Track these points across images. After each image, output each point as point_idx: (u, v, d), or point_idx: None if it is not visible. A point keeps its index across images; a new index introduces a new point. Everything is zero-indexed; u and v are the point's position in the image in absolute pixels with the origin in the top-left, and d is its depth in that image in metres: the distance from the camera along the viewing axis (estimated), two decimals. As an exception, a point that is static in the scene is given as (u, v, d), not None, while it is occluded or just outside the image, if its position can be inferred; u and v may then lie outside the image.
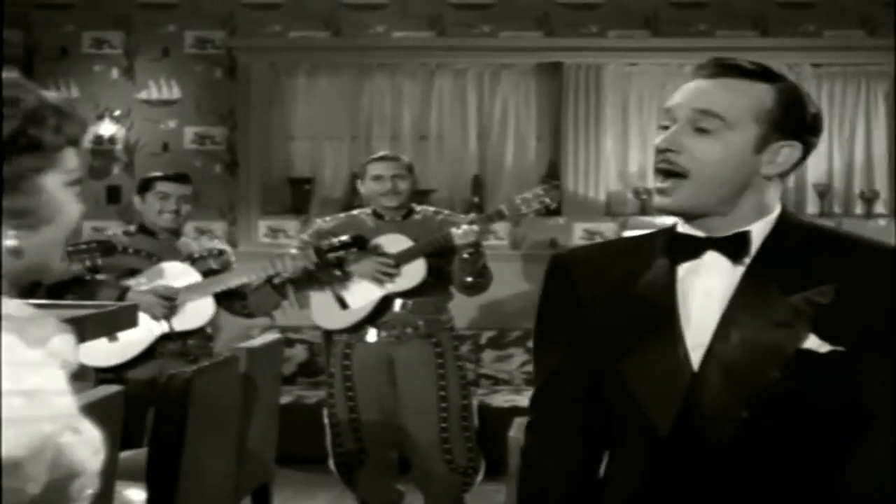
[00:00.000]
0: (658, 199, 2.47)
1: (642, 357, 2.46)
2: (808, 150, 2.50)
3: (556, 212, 9.19)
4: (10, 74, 1.88)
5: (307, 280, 6.42)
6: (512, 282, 9.02)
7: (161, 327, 6.19)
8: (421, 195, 8.35)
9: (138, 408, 5.35)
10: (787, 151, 2.47)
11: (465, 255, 6.25)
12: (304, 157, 9.68)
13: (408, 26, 9.50)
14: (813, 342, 2.35)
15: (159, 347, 6.23)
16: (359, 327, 6.48)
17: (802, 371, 2.34)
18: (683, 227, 2.52)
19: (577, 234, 9.46)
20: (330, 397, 6.61)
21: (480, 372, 9.06)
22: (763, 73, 2.48)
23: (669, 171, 2.44)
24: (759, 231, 2.47)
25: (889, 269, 2.40)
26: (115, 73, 9.68)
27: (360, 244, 6.31)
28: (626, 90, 9.56)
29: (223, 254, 6.62)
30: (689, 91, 2.48)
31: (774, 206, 2.50)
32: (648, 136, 9.30)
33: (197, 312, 6.28)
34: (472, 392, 6.81)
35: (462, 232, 6.21)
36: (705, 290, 2.45)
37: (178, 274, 6.30)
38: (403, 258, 6.40)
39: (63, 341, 1.85)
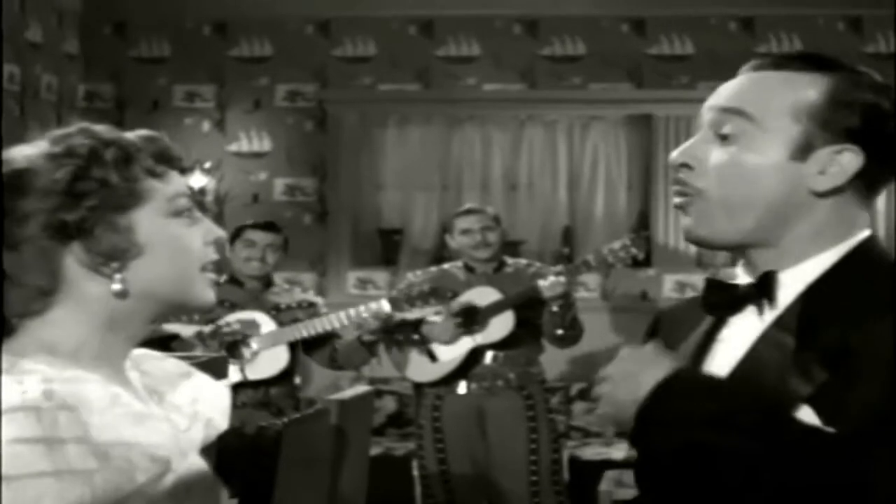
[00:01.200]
0: (682, 223, 2.01)
1: None
2: (881, 157, 1.95)
3: (647, 263, 9.16)
4: (57, 133, 1.89)
5: (391, 340, 6.43)
6: (602, 333, 8.97)
7: (234, 376, 6.19)
8: (511, 246, 8.35)
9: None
10: (842, 158, 1.92)
11: (555, 308, 6.23)
12: (393, 208, 9.74)
13: (499, 78, 9.55)
14: (804, 417, 1.80)
15: (240, 397, 6.22)
16: (449, 380, 6.47)
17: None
18: (740, 269, 2.03)
19: (668, 285, 9.42)
20: (420, 449, 6.60)
21: (571, 424, 9.01)
22: (816, 61, 1.98)
23: (683, 192, 1.98)
24: (806, 271, 1.94)
25: None
26: (206, 125, 9.82)
27: (440, 299, 6.28)
28: (716, 141, 9.53)
29: (313, 306, 6.60)
30: (718, 91, 2.05)
31: (844, 235, 1.95)
32: (739, 187, 9.27)
33: (271, 361, 6.27)
34: (562, 445, 6.77)
35: (549, 283, 6.18)
36: (728, 353, 1.97)
37: (251, 323, 6.29)
38: (491, 311, 6.38)
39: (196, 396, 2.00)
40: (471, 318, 6.40)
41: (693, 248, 9.40)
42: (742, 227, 1.92)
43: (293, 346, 6.31)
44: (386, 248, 9.61)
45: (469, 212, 6.62)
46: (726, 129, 1.93)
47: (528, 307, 6.36)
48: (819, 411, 1.78)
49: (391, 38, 9.62)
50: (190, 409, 2.04)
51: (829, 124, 1.91)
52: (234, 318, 6.23)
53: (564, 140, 9.63)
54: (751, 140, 1.92)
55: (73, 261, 1.87)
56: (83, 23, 10.01)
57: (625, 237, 6.62)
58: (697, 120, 2.03)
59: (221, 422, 2.14)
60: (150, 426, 1.86)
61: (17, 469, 1.69)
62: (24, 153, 1.92)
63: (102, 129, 1.93)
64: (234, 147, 9.74)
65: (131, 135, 1.94)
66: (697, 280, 9.27)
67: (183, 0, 9.59)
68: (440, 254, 8.91)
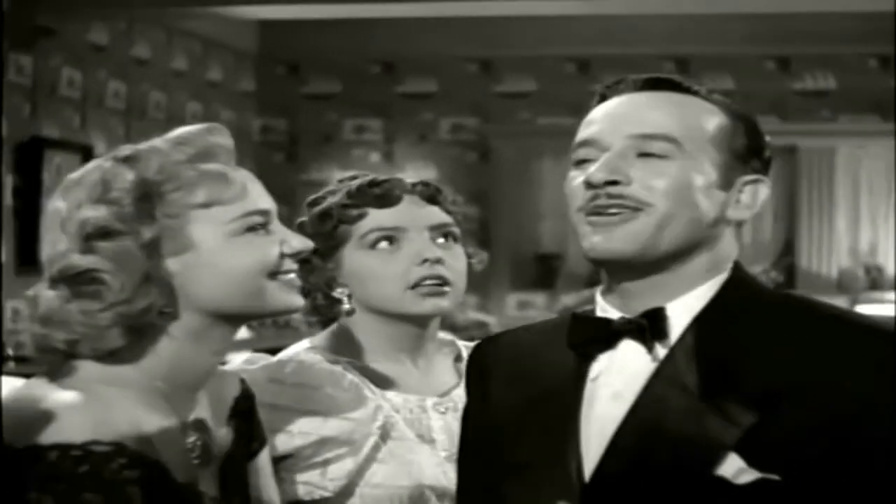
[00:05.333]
0: (592, 241, 1.80)
1: (527, 492, 1.85)
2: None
3: (790, 287, 9.64)
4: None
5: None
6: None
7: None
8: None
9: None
10: (753, 189, 1.86)
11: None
12: (551, 235, 10.31)
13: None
14: (730, 467, 1.68)
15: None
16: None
17: None
18: (601, 301, 1.88)
19: (811, 309, 9.87)
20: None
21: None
22: (705, 94, 1.90)
23: (618, 206, 1.79)
24: (692, 302, 1.82)
25: (885, 358, 1.71)
26: (374, 157, 10.46)
27: None
28: (856, 171, 10.05)
29: (485, 325, 7.13)
30: (616, 113, 1.86)
31: (726, 265, 1.85)
32: (878, 215, 9.79)
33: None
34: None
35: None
36: (614, 394, 1.80)
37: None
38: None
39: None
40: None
41: (834, 274, 9.92)
42: (670, 249, 1.80)
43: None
44: (544, 273, 10.16)
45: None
46: (650, 149, 1.81)
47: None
48: (749, 456, 1.67)
49: (549, 76, 10.20)
50: None
51: (743, 154, 1.85)
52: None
53: (713, 171, 10.14)
54: (681, 162, 1.80)
55: None
56: (258, 63, 10.71)
57: (766, 263, 7.07)
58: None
59: None
60: None
61: None
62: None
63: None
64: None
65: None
66: (839, 303, 9.74)
67: (352, 41, 10.17)
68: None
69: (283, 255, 1.88)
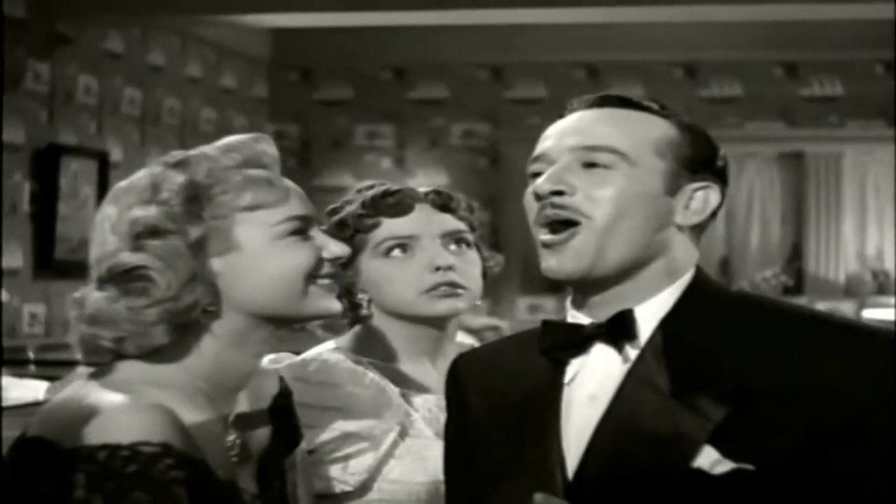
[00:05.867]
0: (549, 263, 1.87)
1: (512, 497, 1.88)
2: (722, 198, 1.95)
3: (798, 291, 9.74)
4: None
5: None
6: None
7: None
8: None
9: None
10: (703, 195, 1.91)
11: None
12: (561, 239, 10.36)
13: (661, 118, 10.17)
14: (706, 459, 1.74)
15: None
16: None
17: (690, 500, 1.74)
18: (570, 308, 1.93)
19: (819, 312, 9.95)
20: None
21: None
22: (657, 109, 1.95)
23: (562, 221, 1.85)
24: (656, 306, 1.87)
25: (858, 358, 1.77)
26: (385, 162, 10.59)
27: None
28: (863, 176, 10.14)
29: (498, 329, 7.23)
30: (566, 128, 1.93)
31: (686, 269, 1.91)
32: (885, 220, 9.88)
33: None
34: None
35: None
36: (590, 396, 1.86)
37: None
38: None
39: None
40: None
41: (842, 278, 10.00)
42: (619, 259, 1.85)
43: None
44: None
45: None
46: (594, 159, 1.86)
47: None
48: (725, 448, 1.72)
49: (559, 81, 10.30)
50: None
51: (690, 162, 1.89)
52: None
53: (721, 176, 10.24)
54: (625, 172, 1.85)
55: None
56: (271, 70, 10.84)
57: (776, 267, 7.14)
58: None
59: None
60: None
61: None
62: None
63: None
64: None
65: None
66: (846, 308, 9.85)
67: (364, 47, 10.29)
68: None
69: (322, 260, 1.93)
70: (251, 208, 1.90)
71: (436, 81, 10.59)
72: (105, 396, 1.79)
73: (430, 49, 10.36)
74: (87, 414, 1.75)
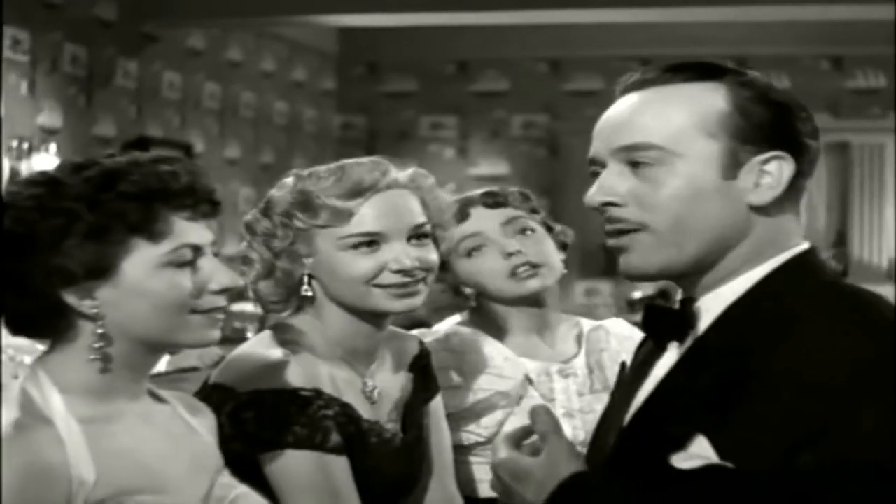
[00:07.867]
0: (622, 263, 1.79)
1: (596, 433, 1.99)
2: (805, 161, 1.76)
3: (844, 276, 10.10)
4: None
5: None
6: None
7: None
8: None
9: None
10: (773, 167, 1.72)
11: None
12: (617, 226, 10.73)
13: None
14: (697, 448, 1.65)
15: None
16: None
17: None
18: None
19: (863, 296, 10.32)
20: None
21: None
22: (704, 69, 1.79)
23: (619, 230, 1.77)
24: (729, 291, 1.75)
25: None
26: (448, 152, 11.07)
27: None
28: (906, 166, 10.51)
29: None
30: (608, 123, 1.82)
31: (782, 247, 1.75)
32: (927, 207, 10.25)
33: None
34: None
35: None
36: (654, 379, 1.82)
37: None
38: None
39: None
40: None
41: (885, 263, 10.38)
42: (689, 255, 1.73)
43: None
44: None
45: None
46: (642, 158, 1.74)
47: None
48: (717, 443, 1.63)
49: (615, 75, 10.54)
50: None
51: (747, 133, 1.72)
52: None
53: (769, 166, 10.60)
54: (673, 167, 1.73)
55: None
56: (340, 64, 11.31)
57: (826, 252, 7.51)
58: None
59: None
60: None
61: None
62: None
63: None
64: (474, 171, 10.93)
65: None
66: (887, 291, 10.17)
67: (428, 42, 10.69)
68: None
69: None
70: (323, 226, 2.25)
71: (497, 75, 11.03)
72: (274, 352, 2.21)
73: (491, 44, 10.71)
74: (261, 366, 2.18)
